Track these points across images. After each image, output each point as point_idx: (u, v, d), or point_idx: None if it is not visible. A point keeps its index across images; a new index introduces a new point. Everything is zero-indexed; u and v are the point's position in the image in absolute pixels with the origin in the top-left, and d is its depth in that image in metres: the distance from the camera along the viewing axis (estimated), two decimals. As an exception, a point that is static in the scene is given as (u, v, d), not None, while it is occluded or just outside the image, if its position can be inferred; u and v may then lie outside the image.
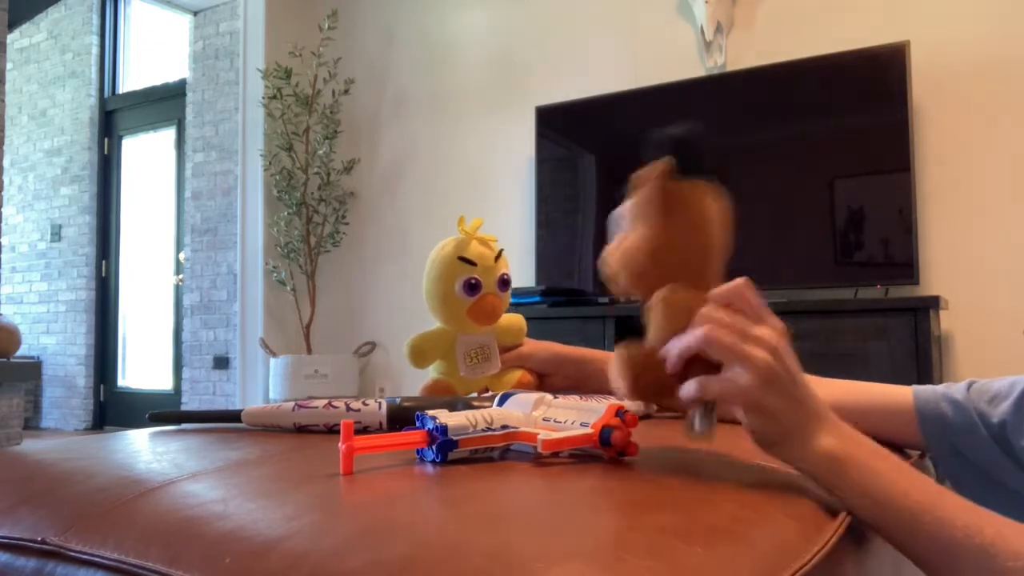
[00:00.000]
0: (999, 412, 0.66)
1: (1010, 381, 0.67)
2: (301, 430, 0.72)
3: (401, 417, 0.69)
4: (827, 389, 0.74)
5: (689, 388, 0.49)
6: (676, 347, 0.50)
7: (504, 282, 0.82)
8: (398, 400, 0.71)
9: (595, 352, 0.88)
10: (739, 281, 0.50)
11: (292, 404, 0.72)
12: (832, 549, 0.44)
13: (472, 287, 0.80)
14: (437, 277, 0.82)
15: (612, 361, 0.53)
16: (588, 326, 2.80)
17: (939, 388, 0.71)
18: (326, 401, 0.71)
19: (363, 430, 0.69)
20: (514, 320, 0.88)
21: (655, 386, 0.52)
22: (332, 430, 0.70)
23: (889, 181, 2.51)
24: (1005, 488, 0.66)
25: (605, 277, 0.55)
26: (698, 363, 0.49)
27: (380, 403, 0.70)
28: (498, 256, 0.82)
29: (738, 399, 0.49)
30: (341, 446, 0.50)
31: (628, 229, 0.54)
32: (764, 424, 0.49)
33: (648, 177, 0.53)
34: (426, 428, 0.55)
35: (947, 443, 0.69)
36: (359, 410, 0.69)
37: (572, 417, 0.57)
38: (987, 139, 2.56)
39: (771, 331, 0.49)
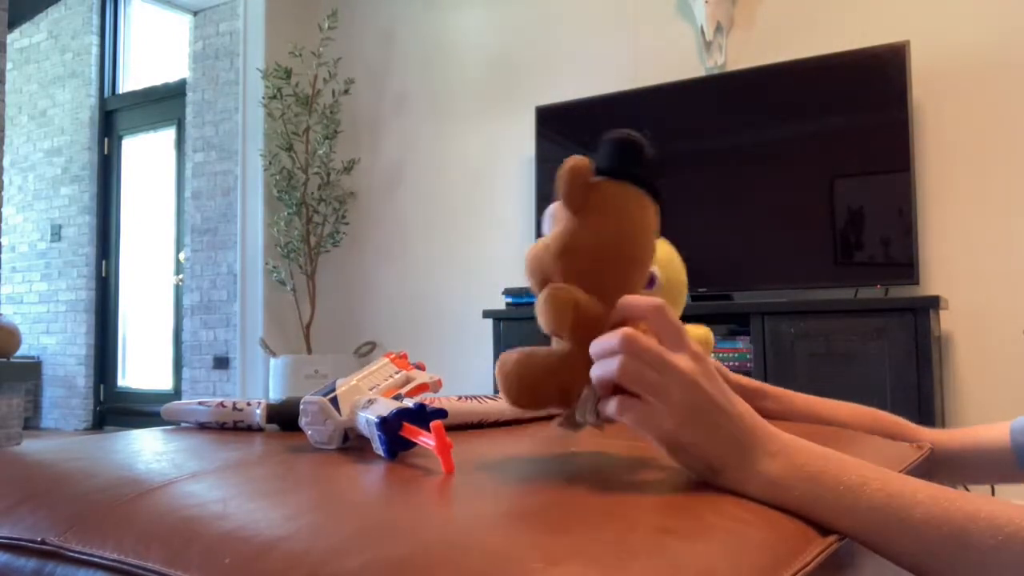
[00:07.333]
0: None
1: None
2: (203, 427, 0.77)
3: (283, 413, 0.73)
4: (924, 436, 0.74)
5: (611, 408, 0.46)
6: (594, 375, 0.47)
7: None
8: (281, 399, 0.76)
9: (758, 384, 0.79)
10: (657, 302, 0.46)
11: (196, 402, 0.78)
12: (834, 551, 0.44)
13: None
14: None
15: (498, 368, 0.50)
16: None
17: None
18: (219, 401, 0.77)
19: (247, 428, 0.75)
20: (700, 333, 0.79)
21: (553, 393, 0.49)
22: (223, 427, 0.76)
23: (889, 181, 2.51)
24: None
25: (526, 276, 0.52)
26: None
27: (259, 403, 0.75)
28: None
29: (655, 436, 0.46)
30: (432, 445, 0.50)
31: (552, 227, 0.52)
32: (689, 460, 0.47)
33: (563, 173, 0.49)
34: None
35: None
36: (242, 410, 0.75)
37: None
38: (987, 139, 2.56)
39: (690, 360, 0.45)
